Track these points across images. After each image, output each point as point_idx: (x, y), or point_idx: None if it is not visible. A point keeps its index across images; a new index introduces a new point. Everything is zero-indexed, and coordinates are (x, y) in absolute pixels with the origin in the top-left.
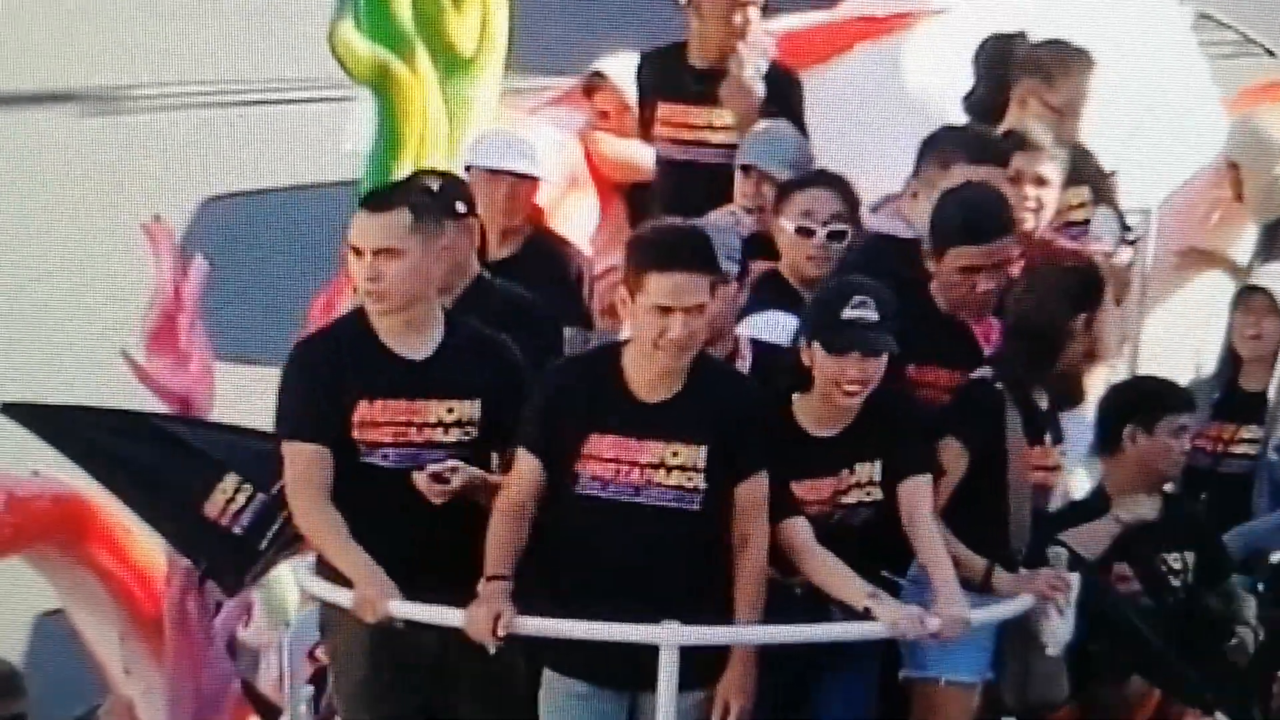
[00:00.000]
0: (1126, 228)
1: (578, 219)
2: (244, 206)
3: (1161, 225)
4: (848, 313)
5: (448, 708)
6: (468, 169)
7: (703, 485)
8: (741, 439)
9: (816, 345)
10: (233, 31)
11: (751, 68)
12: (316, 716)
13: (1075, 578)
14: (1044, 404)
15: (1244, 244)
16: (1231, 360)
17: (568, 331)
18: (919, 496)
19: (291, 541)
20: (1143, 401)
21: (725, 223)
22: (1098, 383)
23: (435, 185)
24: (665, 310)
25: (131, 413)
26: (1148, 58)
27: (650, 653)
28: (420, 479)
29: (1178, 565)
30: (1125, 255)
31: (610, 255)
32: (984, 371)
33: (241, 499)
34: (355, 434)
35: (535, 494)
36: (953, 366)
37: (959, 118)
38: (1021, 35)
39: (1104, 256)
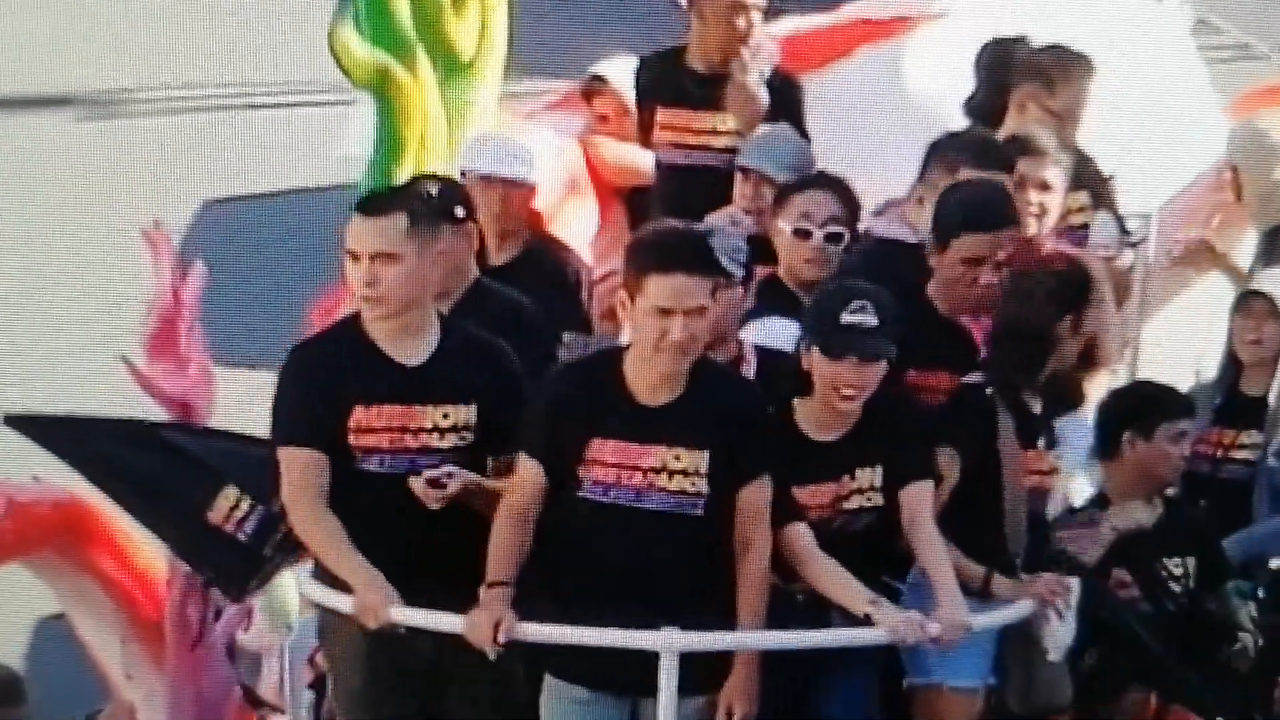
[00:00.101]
0: (1126, 232)
1: (577, 223)
2: (243, 210)
3: (1161, 229)
4: (846, 317)
5: (446, 712)
6: (462, 174)
7: (705, 490)
8: (743, 443)
9: (815, 349)
10: (232, 35)
11: (755, 73)
12: None
13: (1075, 582)
14: (1037, 408)
15: (1243, 248)
16: (1232, 365)
17: (567, 336)
18: (920, 502)
19: (295, 548)
20: (1142, 407)
21: (727, 225)
22: (1098, 388)
23: (434, 189)
24: (666, 312)
25: (133, 421)
26: (1147, 62)
27: (651, 658)
28: (417, 484)
29: (1178, 571)
30: (1126, 259)
31: (610, 260)
32: (975, 377)
33: (245, 506)
34: (351, 439)
35: (537, 499)
36: (954, 370)
37: (960, 122)
38: (1023, 40)
39: (1104, 260)
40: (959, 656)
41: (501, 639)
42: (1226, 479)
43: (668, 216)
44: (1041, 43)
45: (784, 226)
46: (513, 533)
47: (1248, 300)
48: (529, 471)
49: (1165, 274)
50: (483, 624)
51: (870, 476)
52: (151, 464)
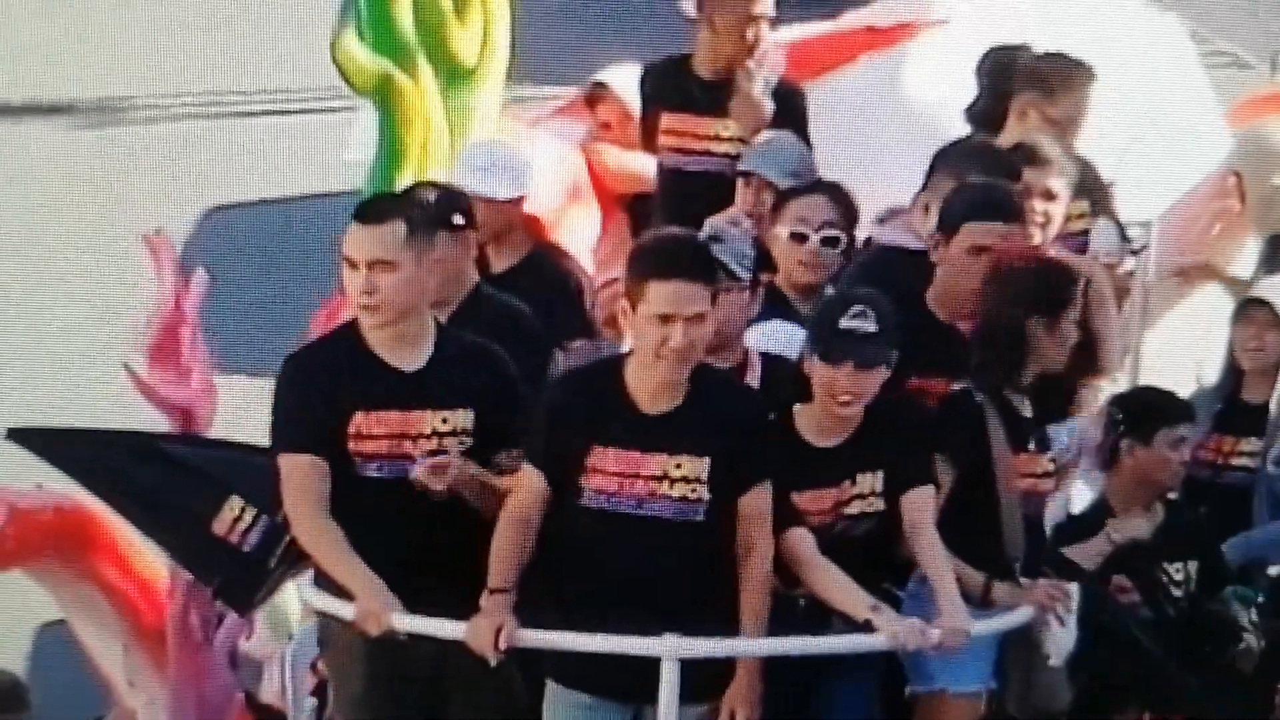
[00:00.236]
0: (1126, 239)
1: (580, 230)
2: (245, 217)
3: (1162, 236)
4: (845, 322)
5: (448, 719)
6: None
7: (706, 496)
8: (744, 450)
9: (815, 355)
10: (234, 42)
11: (760, 83)
12: None
13: (1074, 588)
14: (1027, 412)
15: (1244, 256)
16: (1233, 372)
17: (576, 343)
18: (921, 507)
19: (300, 558)
20: (1141, 412)
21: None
22: (1099, 394)
23: (431, 197)
24: (666, 319)
25: (135, 433)
26: (1148, 69)
27: (653, 664)
28: (419, 470)
29: (1179, 576)
30: (1127, 266)
31: (612, 267)
32: (964, 383)
33: (249, 517)
34: (351, 446)
35: (539, 507)
36: (953, 377)
37: (961, 129)
38: (1024, 48)
39: (1105, 267)
40: (961, 662)
41: (503, 645)
42: (1226, 486)
43: (670, 221)
44: (1043, 50)
45: (781, 231)
46: (513, 540)
47: (1249, 308)
48: (530, 479)
49: (1166, 281)
50: (484, 630)
51: (871, 482)
52: (154, 476)
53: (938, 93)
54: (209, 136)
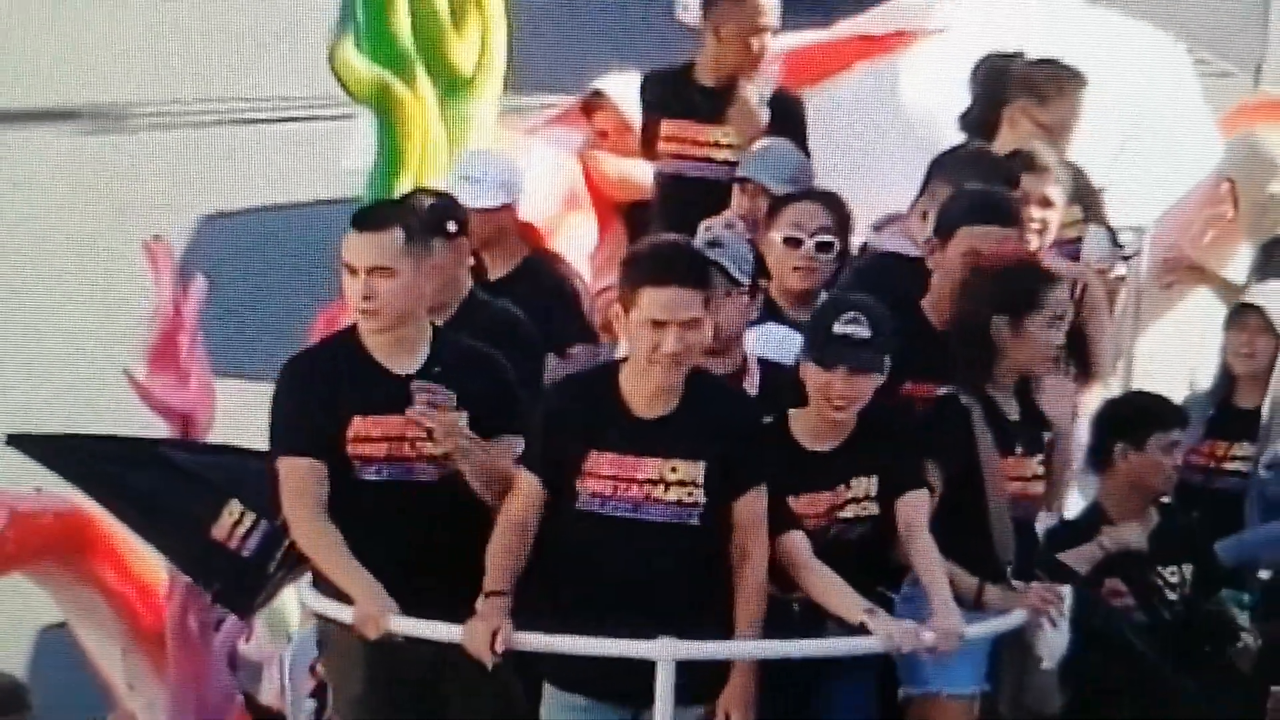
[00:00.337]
0: (1119, 245)
1: (577, 238)
2: (245, 224)
3: (1155, 243)
4: (839, 327)
5: None
6: None
7: (702, 500)
8: (739, 454)
9: (809, 359)
10: (234, 50)
11: (756, 94)
12: None
13: (1067, 591)
14: (1014, 415)
15: (1237, 262)
16: (1226, 377)
17: (575, 349)
18: (916, 511)
19: (299, 562)
20: (1134, 417)
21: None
22: (1092, 399)
23: (426, 204)
24: (659, 325)
25: (134, 439)
26: (1142, 75)
27: (649, 667)
28: (417, 407)
29: (1174, 579)
30: (1119, 272)
31: (609, 273)
32: (949, 388)
33: (248, 521)
34: (349, 450)
35: (536, 511)
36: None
37: (956, 137)
38: (1018, 55)
39: (1098, 274)
40: (954, 664)
41: (499, 649)
42: (1219, 490)
43: (668, 227)
44: (1036, 57)
45: (775, 236)
46: (510, 544)
47: (1241, 314)
48: (527, 484)
49: (1159, 281)
50: (480, 634)
51: (866, 486)
52: (153, 481)
53: (934, 101)
54: (209, 143)
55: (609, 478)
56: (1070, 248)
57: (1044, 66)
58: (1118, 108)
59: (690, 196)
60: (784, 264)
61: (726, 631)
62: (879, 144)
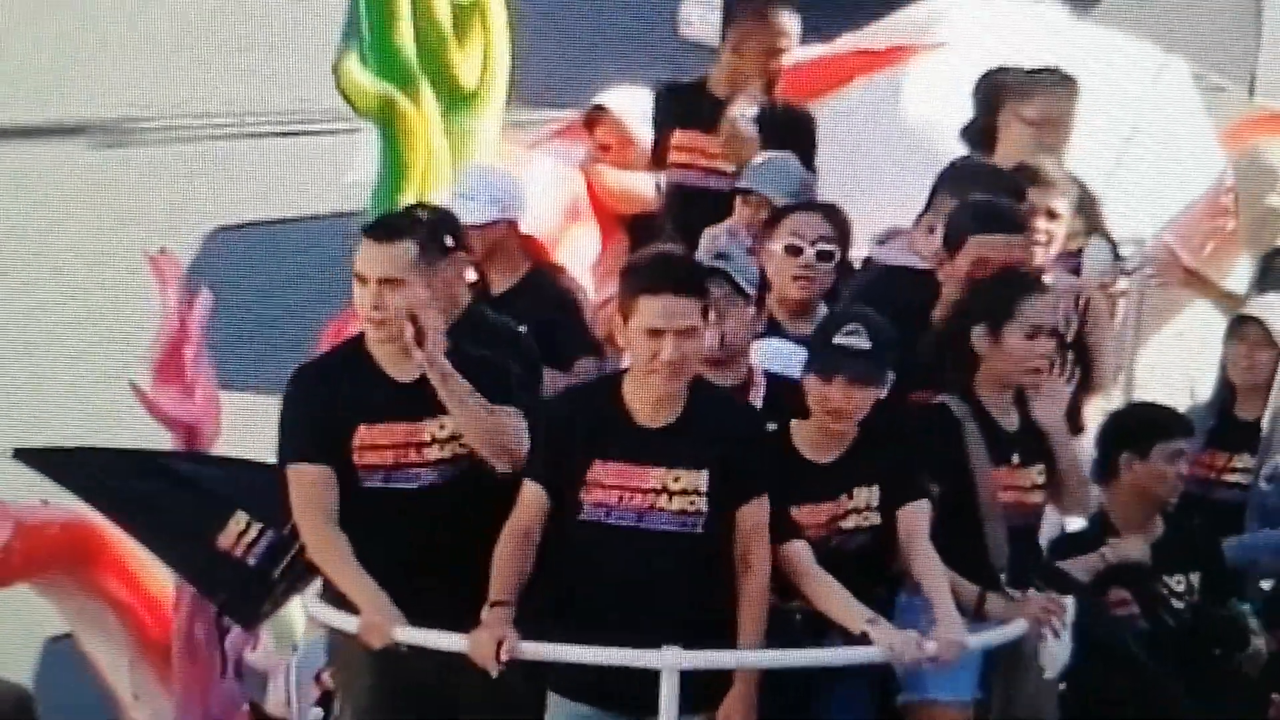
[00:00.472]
0: (1119, 258)
1: (579, 251)
2: (250, 237)
3: (1157, 253)
4: (838, 339)
5: None
6: None
7: (705, 509)
8: (742, 463)
9: (810, 371)
10: (240, 64)
11: (742, 116)
12: None
13: (1069, 601)
14: (1011, 425)
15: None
16: (1226, 389)
17: (581, 362)
18: (917, 521)
19: (305, 573)
20: (1138, 428)
21: (730, 241)
22: (1093, 412)
23: (424, 218)
24: (656, 333)
25: (139, 451)
26: (1142, 88)
27: (653, 676)
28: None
29: (1180, 587)
30: (1120, 285)
31: (611, 286)
32: (942, 397)
33: (254, 531)
34: (355, 458)
35: (540, 521)
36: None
37: (957, 150)
38: (1020, 70)
39: (1100, 286)
40: (951, 671)
41: (504, 658)
42: (1219, 502)
43: (675, 236)
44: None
45: (775, 246)
46: (514, 553)
47: (1241, 326)
48: (531, 494)
49: (1160, 298)
50: (485, 643)
51: (867, 496)
52: (160, 492)
53: (935, 114)
54: (214, 157)
55: (612, 487)
56: (1072, 260)
57: (1036, 71)
58: (1115, 122)
59: (698, 206)
60: (784, 273)
61: (728, 640)
62: (880, 157)
